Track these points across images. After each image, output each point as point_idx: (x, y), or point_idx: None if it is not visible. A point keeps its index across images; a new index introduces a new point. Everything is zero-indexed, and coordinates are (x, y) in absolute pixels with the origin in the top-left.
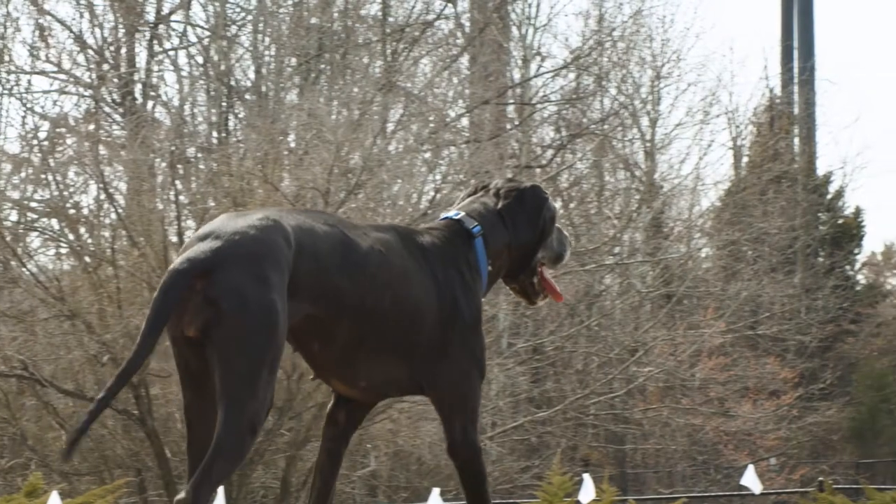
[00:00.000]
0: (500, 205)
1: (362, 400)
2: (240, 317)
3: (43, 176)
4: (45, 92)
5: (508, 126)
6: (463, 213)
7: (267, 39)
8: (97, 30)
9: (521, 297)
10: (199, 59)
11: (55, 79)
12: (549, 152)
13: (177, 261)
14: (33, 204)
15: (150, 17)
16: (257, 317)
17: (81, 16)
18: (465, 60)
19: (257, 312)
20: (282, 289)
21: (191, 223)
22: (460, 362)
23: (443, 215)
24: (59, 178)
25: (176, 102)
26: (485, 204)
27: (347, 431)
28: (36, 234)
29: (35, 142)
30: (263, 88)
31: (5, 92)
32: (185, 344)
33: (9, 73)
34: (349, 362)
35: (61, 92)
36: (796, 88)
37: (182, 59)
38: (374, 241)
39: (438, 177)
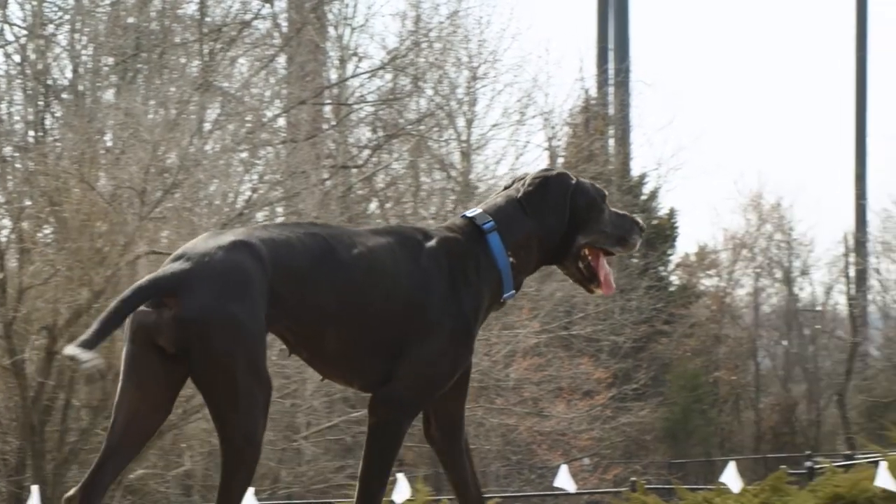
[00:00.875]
0: (521, 194)
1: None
2: (209, 339)
3: None
4: None
5: (325, 126)
6: (479, 210)
7: (84, 38)
8: None
9: (577, 283)
10: (16, 58)
11: None
12: (366, 152)
13: (143, 278)
14: None
15: None
16: (225, 337)
17: None
18: (282, 60)
19: (224, 332)
20: (250, 306)
21: (6, 222)
22: (431, 354)
23: (461, 214)
24: None
25: None
26: (507, 196)
27: (448, 435)
28: None
29: None
30: (80, 88)
31: None
32: (152, 350)
33: None
34: (340, 367)
35: None
36: (611, 90)
37: None
38: (362, 248)
39: (255, 177)
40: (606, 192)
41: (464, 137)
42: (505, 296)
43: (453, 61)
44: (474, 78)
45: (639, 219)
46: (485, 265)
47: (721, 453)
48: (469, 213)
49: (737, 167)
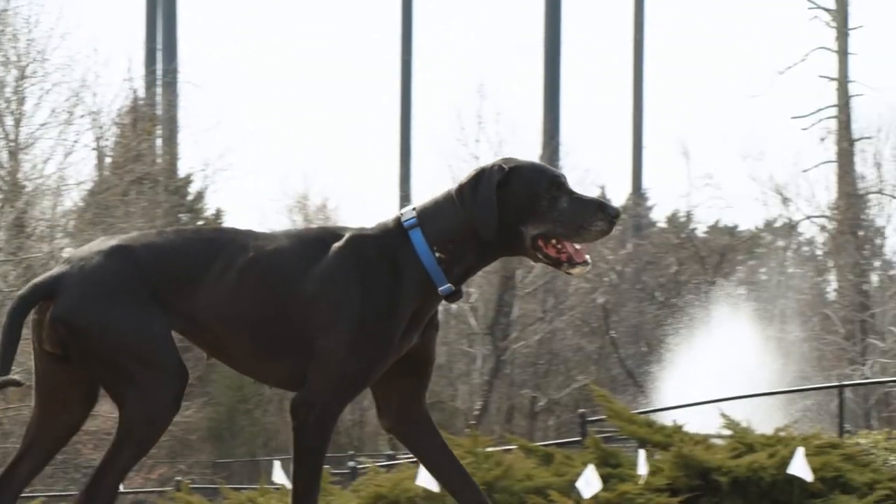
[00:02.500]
0: (455, 188)
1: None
2: (79, 337)
3: None
4: None
5: None
6: (410, 207)
7: None
8: None
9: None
10: None
11: None
12: None
13: (26, 286)
14: None
15: None
16: (94, 334)
17: None
18: None
19: (92, 331)
20: (121, 306)
21: None
22: (339, 351)
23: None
24: None
25: None
26: (448, 191)
27: (405, 422)
28: None
29: None
30: None
31: None
32: (44, 357)
33: None
34: (250, 367)
35: None
36: (160, 90)
37: None
38: (259, 251)
39: None
40: (562, 179)
41: (12, 136)
42: (441, 289)
43: (1, 60)
44: (23, 77)
45: (606, 201)
46: (404, 261)
47: (266, 453)
48: (402, 210)
49: (283, 168)
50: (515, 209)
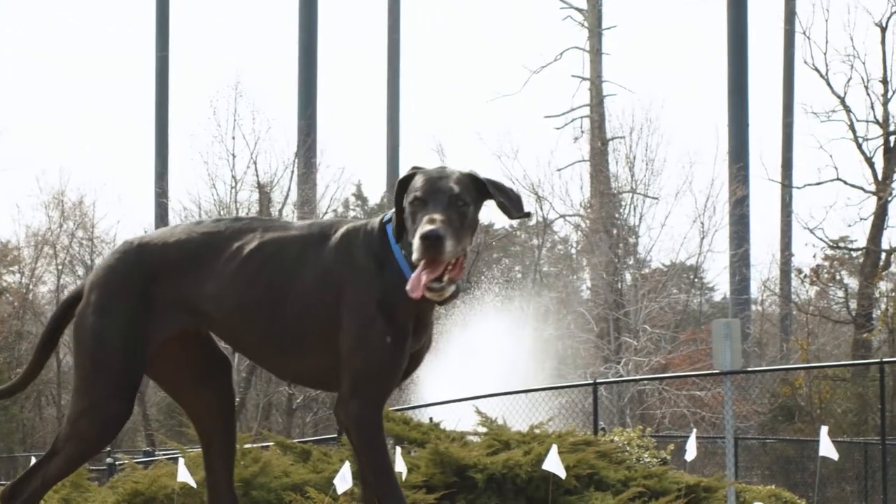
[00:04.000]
0: None
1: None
2: (74, 338)
3: None
4: None
5: None
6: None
7: None
8: None
9: None
10: None
11: None
12: None
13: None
14: None
15: None
16: (83, 338)
17: None
18: None
19: (84, 334)
20: (121, 310)
21: None
22: (350, 348)
23: None
24: None
25: None
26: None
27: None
28: None
29: None
30: None
31: None
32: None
33: None
34: (265, 359)
35: None
36: None
37: None
38: (264, 244)
39: None
40: (448, 190)
41: None
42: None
43: None
44: None
45: (425, 225)
46: (380, 254)
47: (23, 449)
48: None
49: (39, 164)
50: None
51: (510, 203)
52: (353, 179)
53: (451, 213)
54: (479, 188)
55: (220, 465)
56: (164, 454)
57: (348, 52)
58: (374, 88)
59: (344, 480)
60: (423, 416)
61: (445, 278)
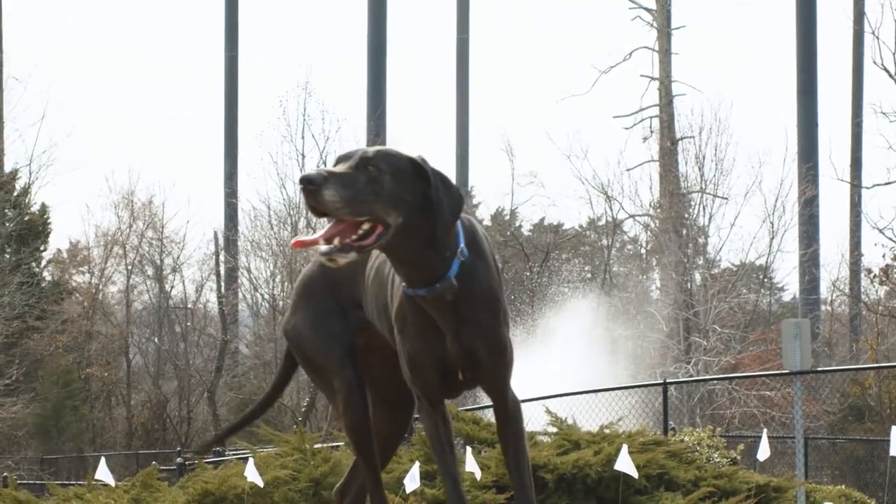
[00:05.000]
0: None
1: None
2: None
3: None
4: None
5: None
6: None
7: None
8: None
9: None
10: None
11: None
12: None
13: None
14: None
15: None
16: (288, 338)
17: None
18: None
19: (287, 334)
20: (310, 308)
21: None
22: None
23: None
24: None
25: None
26: None
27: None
28: None
29: None
30: None
31: None
32: None
33: None
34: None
35: None
36: None
37: None
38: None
39: None
40: (362, 152)
41: None
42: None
43: None
44: None
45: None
46: None
47: (93, 449)
48: None
49: (109, 164)
50: None
51: (447, 200)
52: None
53: (357, 173)
54: (416, 171)
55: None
56: (233, 454)
57: (417, 52)
58: (443, 88)
59: (413, 480)
60: (492, 416)
61: (336, 241)
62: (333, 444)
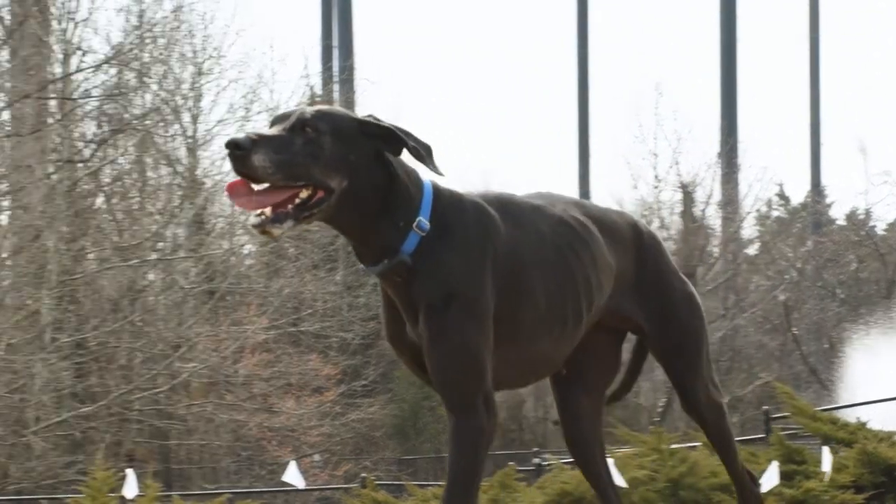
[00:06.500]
0: None
1: None
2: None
3: None
4: None
5: (50, 120)
6: None
7: None
8: None
9: None
10: None
11: None
12: (92, 147)
13: None
14: None
15: None
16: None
17: None
18: (5, 54)
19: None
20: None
21: None
22: None
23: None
24: None
25: None
26: None
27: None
28: None
29: None
30: None
31: None
32: None
33: None
34: None
35: None
36: (337, 87)
37: None
38: None
39: None
40: (298, 113)
41: (189, 133)
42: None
43: (178, 56)
44: (199, 73)
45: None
46: None
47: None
48: None
49: (461, 165)
50: None
51: (417, 143)
52: (775, 179)
53: (291, 134)
54: (363, 130)
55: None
56: None
57: (769, 52)
58: (795, 87)
59: (770, 479)
60: (849, 416)
61: (267, 211)
62: (691, 444)
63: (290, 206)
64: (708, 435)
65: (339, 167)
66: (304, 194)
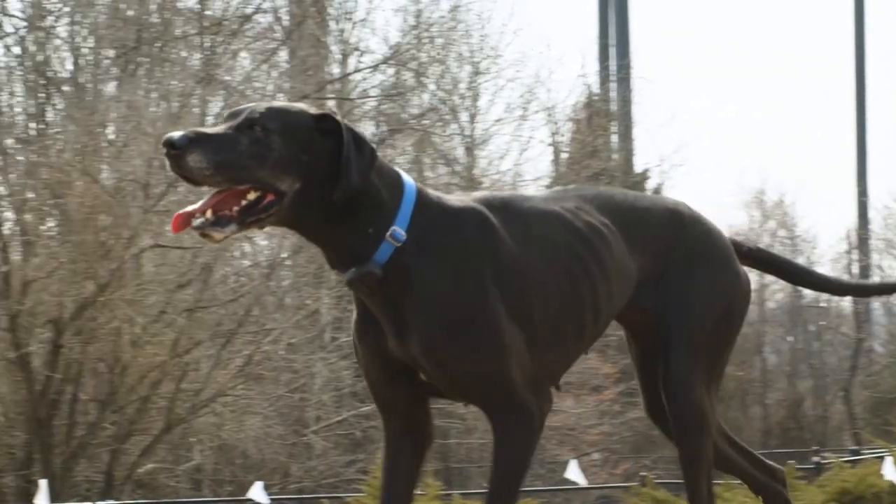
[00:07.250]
0: None
1: None
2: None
3: None
4: None
5: None
6: None
7: (84, 31)
8: None
9: None
10: (16, 50)
11: None
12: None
13: None
14: None
15: None
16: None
17: None
18: (284, 55)
19: None
20: None
21: (9, 215)
22: None
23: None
24: None
25: None
26: None
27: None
28: None
29: None
30: (81, 80)
31: None
32: None
33: None
34: None
35: None
36: (614, 86)
37: None
38: None
39: None
40: (248, 111)
41: (467, 132)
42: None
43: (455, 56)
44: (476, 73)
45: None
46: None
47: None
48: None
49: (739, 163)
50: None
51: (357, 160)
52: None
53: (237, 133)
54: (319, 127)
55: None
56: (870, 453)
57: None
58: None
59: None
60: None
61: (208, 214)
62: None
63: (235, 210)
64: (679, 451)
65: (289, 168)
66: (251, 196)
